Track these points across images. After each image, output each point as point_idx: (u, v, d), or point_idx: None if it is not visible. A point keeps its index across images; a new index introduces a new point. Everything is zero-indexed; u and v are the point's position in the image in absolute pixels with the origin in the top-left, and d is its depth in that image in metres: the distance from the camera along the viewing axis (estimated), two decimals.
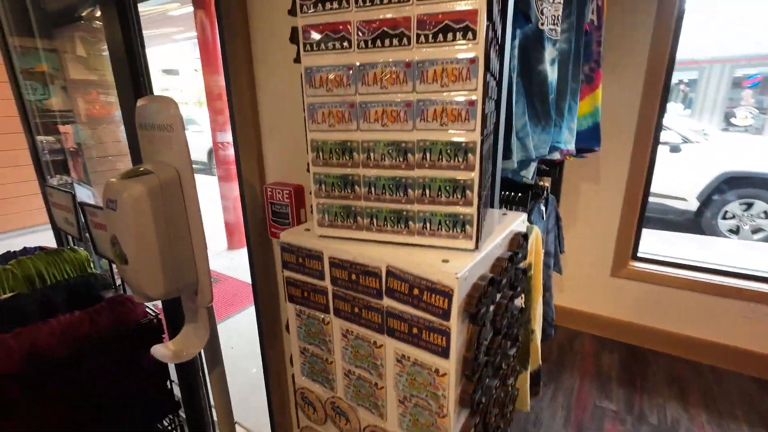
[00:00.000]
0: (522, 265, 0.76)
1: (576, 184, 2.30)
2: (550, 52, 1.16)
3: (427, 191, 0.56)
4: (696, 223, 4.10)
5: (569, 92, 1.31)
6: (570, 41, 1.26)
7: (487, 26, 0.50)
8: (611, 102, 2.11)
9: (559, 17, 1.16)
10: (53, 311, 1.19)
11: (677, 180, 4.10)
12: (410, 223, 0.59)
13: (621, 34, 2.02)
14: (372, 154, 0.57)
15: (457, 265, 0.53)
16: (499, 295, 0.65)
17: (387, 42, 0.52)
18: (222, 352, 0.98)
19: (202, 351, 0.96)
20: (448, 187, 0.55)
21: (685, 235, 4.04)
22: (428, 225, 0.58)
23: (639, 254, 2.33)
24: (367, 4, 0.52)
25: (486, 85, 0.52)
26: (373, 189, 0.59)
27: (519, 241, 0.71)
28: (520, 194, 1.34)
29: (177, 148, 0.73)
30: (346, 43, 0.54)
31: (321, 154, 0.61)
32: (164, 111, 0.71)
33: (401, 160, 0.56)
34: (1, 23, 1.60)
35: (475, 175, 0.53)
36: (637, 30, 2.00)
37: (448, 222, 0.57)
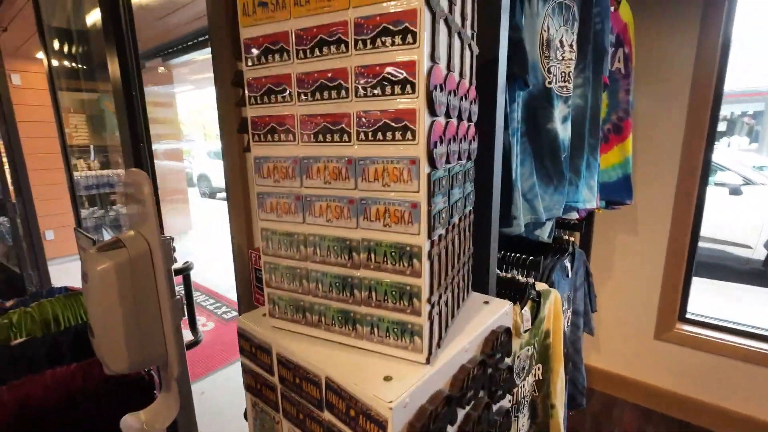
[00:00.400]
0: (507, 362, 0.67)
1: (610, 236, 2.11)
2: (561, 110, 1.08)
3: (374, 294, 0.51)
4: (764, 273, 3.63)
5: (587, 149, 1.21)
6: (586, 96, 1.17)
7: (432, 123, 0.45)
8: (649, 145, 1.94)
9: (571, 73, 1.09)
10: (60, 358, 1.23)
11: (740, 225, 3.69)
12: (357, 325, 0.53)
13: (658, 73, 1.87)
14: (318, 249, 0.53)
15: (397, 387, 0.46)
16: (465, 410, 0.56)
17: (329, 137, 0.49)
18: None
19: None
20: (394, 293, 0.49)
21: (750, 288, 3.59)
22: (376, 330, 0.52)
23: (688, 315, 2.07)
24: (309, 98, 0.49)
25: (433, 184, 0.46)
26: (320, 285, 0.55)
27: (498, 339, 0.63)
28: (531, 257, 1.23)
29: (148, 223, 0.73)
30: (290, 136, 0.52)
31: (270, 243, 0.58)
32: (138, 186, 0.72)
33: (347, 258, 0.51)
34: (51, 72, 1.77)
35: (422, 282, 0.47)
36: (675, 64, 1.82)
37: (395, 330, 0.50)
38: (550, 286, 1.34)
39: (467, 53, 0.58)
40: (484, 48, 0.71)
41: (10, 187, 3.31)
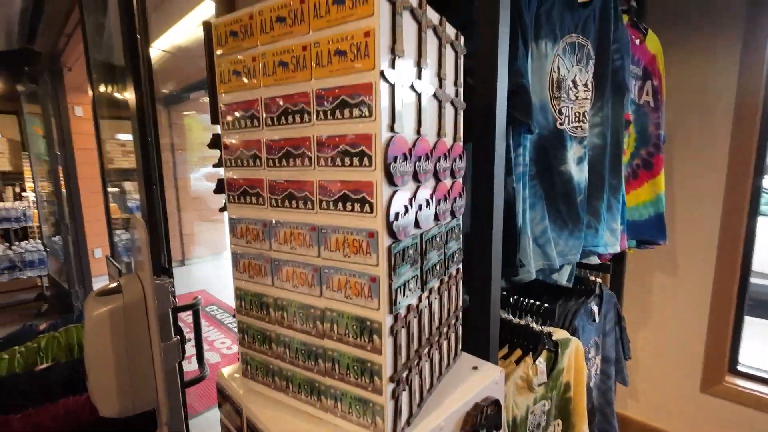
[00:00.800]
0: None
1: (645, 276, 1.95)
2: (575, 151, 1.03)
3: (337, 366, 0.48)
4: None
5: (607, 190, 1.14)
6: (604, 135, 1.11)
7: (393, 194, 0.43)
8: (689, 178, 1.79)
9: (586, 113, 1.04)
10: (78, 384, 1.28)
11: None
12: (322, 396, 0.51)
13: (695, 100, 1.73)
14: (286, 314, 0.52)
15: None
16: None
17: (294, 203, 0.48)
18: None
19: None
20: (356, 367, 0.47)
21: None
22: (339, 404, 0.49)
23: (739, 367, 1.85)
24: (276, 164, 0.49)
25: (395, 257, 0.44)
26: (288, 350, 0.53)
27: (483, 414, 0.58)
28: (546, 305, 1.15)
29: (144, 268, 0.75)
30: (260, 199, 0.52)
31: (243, 303, 0.57)
32: (137, 232, 0.75)
33: (311, 325, 0.50)
34: (95, 102, 1.92)
35: (383, 360, 0.44)
36: (715, 88, 1.66)
37: (358, 407, 0.47)
38: (572, 332, 1.24)
39: (448, 111, 0.56)
40: (483, 97, 0.69)
41: (65, 209, 3.60)
